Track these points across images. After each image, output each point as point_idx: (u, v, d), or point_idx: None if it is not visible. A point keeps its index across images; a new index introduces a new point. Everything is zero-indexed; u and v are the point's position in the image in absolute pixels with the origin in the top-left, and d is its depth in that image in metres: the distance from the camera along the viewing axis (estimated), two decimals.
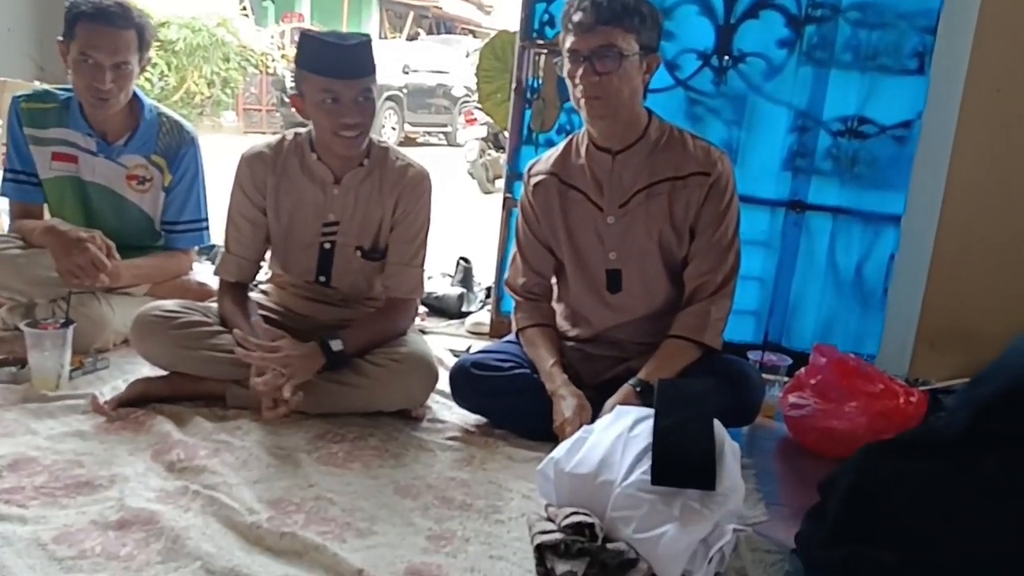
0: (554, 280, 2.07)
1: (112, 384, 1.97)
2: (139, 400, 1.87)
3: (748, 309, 2.62)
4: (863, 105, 2.51)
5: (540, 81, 2.72)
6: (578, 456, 1.46)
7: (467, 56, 12.61)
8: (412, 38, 17.50)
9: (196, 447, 1.67)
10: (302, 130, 2.02)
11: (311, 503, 1.51)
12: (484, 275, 3.18)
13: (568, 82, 1.84)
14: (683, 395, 1.47)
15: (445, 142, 12.93)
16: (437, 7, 19.85)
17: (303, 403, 1.82)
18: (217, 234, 2.34)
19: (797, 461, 1.99)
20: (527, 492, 1.62)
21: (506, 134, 2.86)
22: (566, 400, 1.80)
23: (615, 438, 1.46)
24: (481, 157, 8.05)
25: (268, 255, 2.12)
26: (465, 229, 4.98)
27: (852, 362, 2.04)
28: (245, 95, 12.83)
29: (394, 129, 11.67)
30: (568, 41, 1.81)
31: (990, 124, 2.42)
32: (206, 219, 2.43)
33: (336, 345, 1.85)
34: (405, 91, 11.92)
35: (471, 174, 8.13)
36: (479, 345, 2.46)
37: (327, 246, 2.02)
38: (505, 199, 2.78)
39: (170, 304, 1.96)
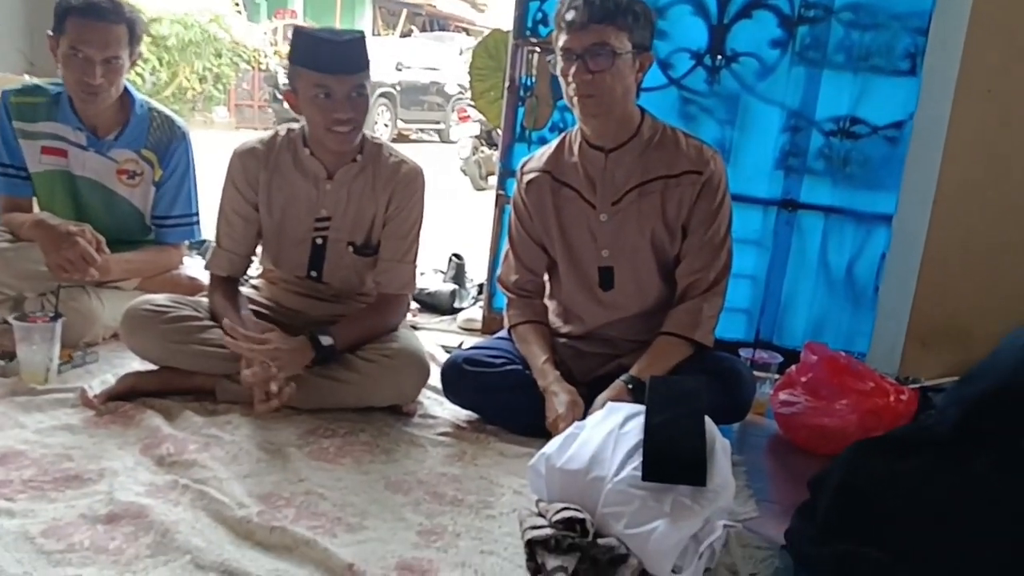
0: (547, 277, 2.07)
1: (101, 378, 1.96)
2: (129, 394, 1.86)
3: (740, 307, 2.62)
4: (855, 105, 2.52)
5: (533, 79, 2.72)
6: (569, 452, 1.47)
7: (460, 53, 12.60)
8: (405, 35, 17.48)
9: (186, 441, 1.66)
10: (295, 125, 2.02)
11: (301, 498, 1.51)
12: (476, 272, 3.18)
13: (561, 80, 1.84)
14: (674, 392, 1.47)
15: (438, 139, 12.92)
16: (430, 4, 19.82)
17: (294, 398, 1.82)
18: (208, 229, 2.33)
19: (788, 458, 2.00)
20: (518, 488, 1.62)
21: (499, 132, 2.86)
22: (559, 396, 1.80)
23: (606, 434, 1.46)
24: (474, 154, 8.05)
25: (259, 250, 2.11)
26: (458, 226, 4.98)
27: (843, 360, 2.05)
28: (237, 91, 12.80)
29: (387, 126, 11.65)
30: (561, 39, 1.81)
31: (981, 125, 2.43)
32: (197, 214, 2.42)
33: (326, 340, 1.85)
34: (398, 88, 11.90)
35: (464, 171, 8.13)
36: (471, 341, 2.46)
37: (319, 241, 2.01)
38: (498, 196, 2.78)
39: (160, 298, 1.95)
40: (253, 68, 12.76)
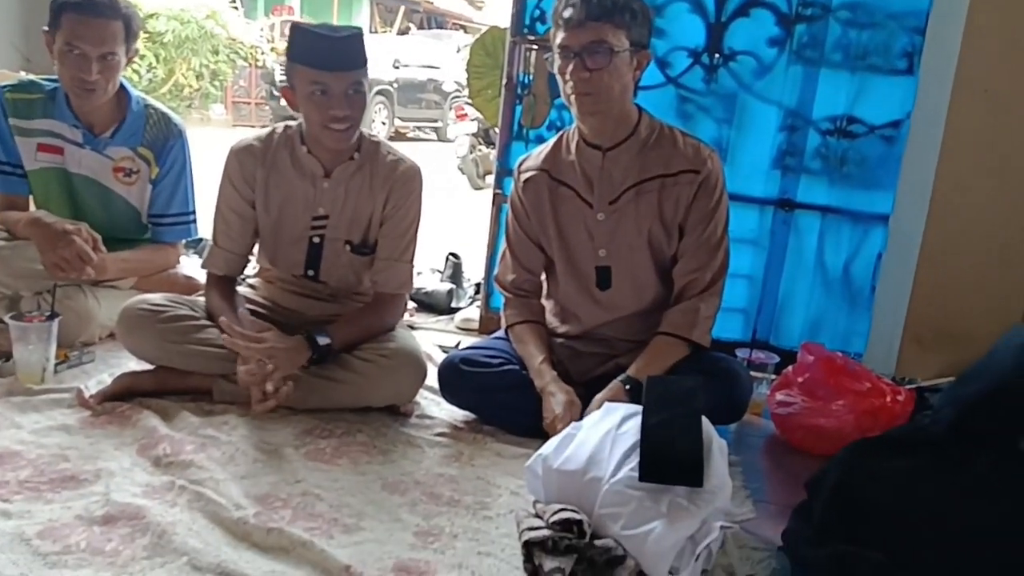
0: (544, 277, 2.07)
1: (98, 378, 1.96)
2: (125, 394, 1.86)
3: (737, 307, 2.63)
4: (852, 104, 2.52)
5: (531, 77, 2.72)
6: (566, 453, 1.46)
7: (458, 51, 12.59)
8: (403, 33, 17.45)
9: (183, 442, 1.66)
10: (292, 123, 2.01)
11: (298, 499, 1.51)
12: (473, 271, 3.18)
13: (559, 78, 1.84)
14: (671, 392, 1.47)
15: (435, 137, 12.91)
16: (428, 2, 19.79)
17: (291, 398, 1.81)
18: (205, 227, 2.32)
19: (784, 459, 2.00)
20: (515, 488, 1.62)
21: (497, 130, 2.85)
22: (555, 396, 1.80)
23: (603, 435, 1.46)
24: (471, 153, 8.04)
25: (256, 249, 2.11)
26: (455, 225, 4.97)
27: (839, 360, 2.05)
28: (234, 88, 12.77)
29: (384, 124, 11.64)
30: (559, 37, 1.80)
31: (978, 124, 2.43)
32: (193, 212, 2.41)
33: (323, 339, 1.85)
34: (395, 86, 11.89)
35: (461, 169, 8.12)
36: (468, 341, 2.46)
37: (316, 240, 2.01)
38: (495, 195, 2.78)
39: (157, 298, 1.94)
40: (250, 65, 12.73)
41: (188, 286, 2.35)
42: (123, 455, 1.61)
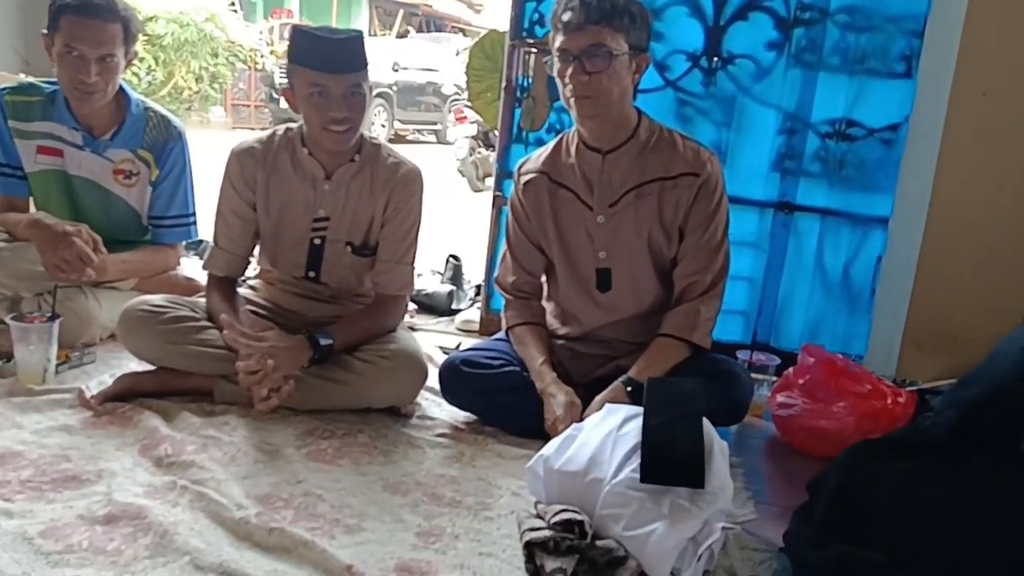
0: (544, 279, 2.07)
1: (99, 379, 1.96)
2: (126, 395, 1.86)
3: (737, 309, 2.63)
4: (851, 108, 2.53)
5: (530, 80, 2.72)
6: (567, 454, 1.47)
7: (457, 54, 12.62)
8: (402, 36, 17.47)
9: (184, 442, 1.66)
10: (293, 125, 2.02)
11: (300, 499, 1.51)
12: (474, 273, 3.18)
13: (558, 81, 1.84)
14: (672, 394, 1.48)
15: (435, 140, 12.92)
16: (427, 5, 19.82)
17: (292, 399, 1.82)
18: (205, 229, 2.32)
19: (785, 460, 2.00)
20: (516, 489, 1.62)
21: (496, 133, 2.86)
22: (556, 398, 1.80)
23: (604, 436, 1.47)
24: (471, 155, 8.05)
25: (257, 251, 2.11)
26: (455, 227, 4.98)
27: (840, 362, 2.06)
28: (233, 91, 12.79)
29: (383, 126, 11.65)
30: (558, 40, 1.81)
31: (977, 127, 2.44)
32: (194, 214, 2.41)
33: (324, 339, 1.85)
34: (395, 88, 11.91)
35: (461, 172, 8.13)
36: (469, 343, 2.46)
37: (317, 242, 2.01)
38: (495, 197, 2.78)
39: (157, 299, 1.94)
40: (249, 68, 12.74)
41: (188, 287, 2.35)
42: (125, 455, 1.61)
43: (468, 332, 2.80)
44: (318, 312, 2.05)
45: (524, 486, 1.59)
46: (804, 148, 2.58)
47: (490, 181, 3.44)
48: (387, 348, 1.91)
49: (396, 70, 12.07)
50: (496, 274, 2.12)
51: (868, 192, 2.56)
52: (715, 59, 2.58)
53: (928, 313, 2.53)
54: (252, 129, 11.39)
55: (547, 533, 1.35)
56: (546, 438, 1.63)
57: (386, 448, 1.77)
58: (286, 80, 1.92)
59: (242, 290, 2.10)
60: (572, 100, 1.82)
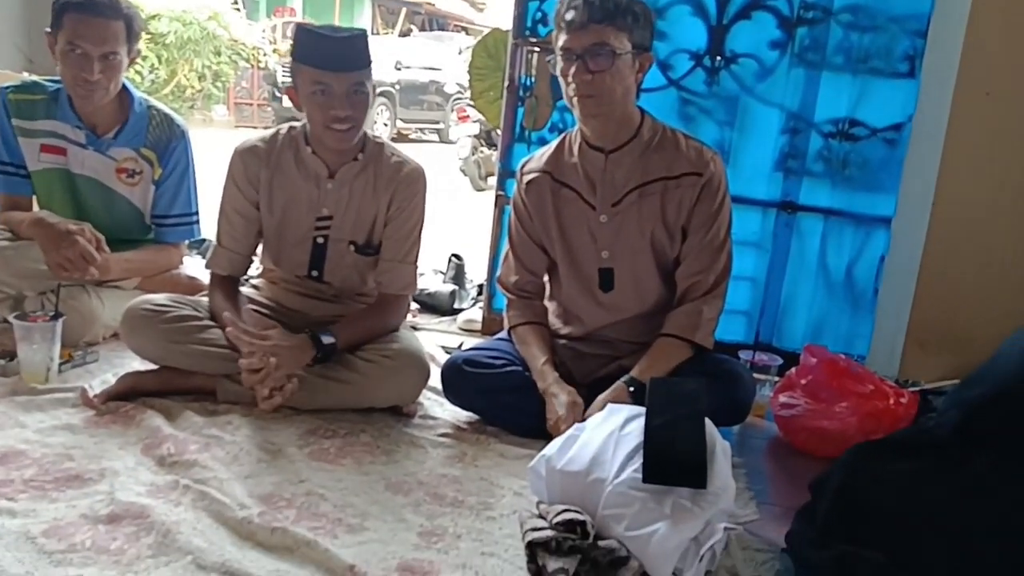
0: (546, 278, 2.07)
1: (102, 378, 1.96)
2: (129, 394, 1.86)
3: (739, 309, 2.63)
4: (854, 107, 2.53)
5: (533, 79, 2.72)
6: (570, 454, 1.47)
7: (460, 53, 12.60)
8: (404, 34, 17.47)
9: (187, 441, 1.66)
10: (297, 124, 2.02)
11: (302, 499, 1.51)
12: (476, 272, 3.18)
13: (561, 80, 1.84)
14: (675, 394, 1.48)
15: (437, 139, 12.92)
16: (429, 3, 19.81)
17: (294, 398, 1.82)
18: (208, 228, 2.33)
19: (787, 460, 2.00)
20: (519, 489, 1.62)
21: (498, 132, 2.86)
22: (558, 398, 1.80)
23: (607, 436, 1.47)
24: (473, 154, 8.05)
25: (260, 249, 2.11)
26: (457, 226, 4.98)
27: (842, 362, 2.06)
28: (236, 89, 12.78)
29: (386, 125, 11.64)
30: (561, 39, 1.81)
31: (980, 127, 2.44)
32: (196, 213, 2.41)
33: (327, 338, 1.85)
34: (397, 87, 11.90)
35: (463, 171, 8.13)
36: (471, 342, 2.47)
37: (320, 240, 2.01)
38: (497, 197, 2.78)
39: (160, 298, 1.95)
40: (252, 66, 12.74)
41: (191, 286, 2.36)
42: (127, 454, 1.61)
43: (470, 332, 2.80)
44: (321, 311, 2.05)
45: (526, 486, 1.59)
46: (807, 148, 2.57)
47: (492, 180, 3.44)
48: (389, 347, 1.91)
49: (399, 69, 12.06)
50: (498, 273, 2.12)
51: (871, 192, 2.56)
52: (718, 58, 2.58)
53: (931, 313, 2.53)
54: (255, 128, 11.40)
55: (549, 533, 1.35)
56: (548, 438, 1.63)
57: (388, 448, 1.77)
58: (290, 78, 1.92)
59: (245, 289, 2.10)
60: (575, 99, 1.82)
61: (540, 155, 2.02)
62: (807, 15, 2.51)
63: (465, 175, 8.10)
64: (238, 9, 13.43)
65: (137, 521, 1.37)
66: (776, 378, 2.22)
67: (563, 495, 1.45)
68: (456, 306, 3.01)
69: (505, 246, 2.10)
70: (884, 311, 2.58)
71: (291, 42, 1.91)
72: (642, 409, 1.47)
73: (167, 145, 2.30)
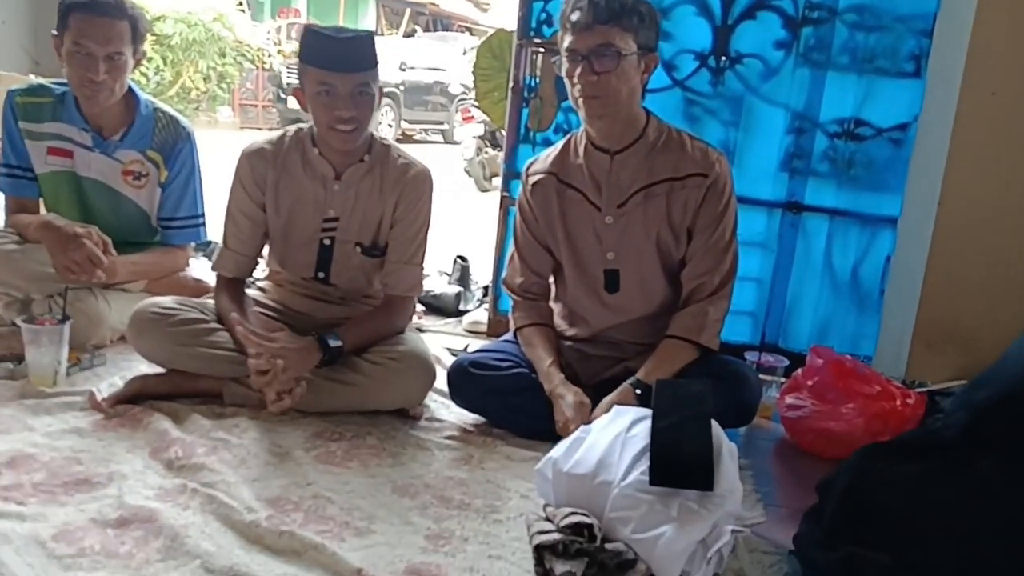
0: (552, 280, 2.07)
1: (109, 381, 1.96)
2: (136, 397, 1.87)
3: (745, 310, 2.63)
4: (860, 107, 2.52)
5: (537, 80, 2.72)
6: (576, 456, 1.47)
7: (464, 53, 12.59)
8: (409, 35, 17.47)
9: (194, 445, 1.66)
10: (304, 125, 2.02)
11: (309, 502, 1.52)
12: (481, 274, 3.18)
13: (566, 81, 1.84)
14: (681, 395, 1.48)
15: (442, 139, 12.92)
16: (434, 4, 19.82)
17: (301, 401, 1.82)
18: (214, 230, 2.33)
19: (794, 462, 2.00)
20: (525, 492, 1.63)
21: (503, 132, 2.86)
22: (565, 399, 1.80)
23: (613, 438, 1.47)
24: (478, 155, 8.05)
25: (265, 251, 2.11)
26: (462, 227, 4.98)
27: (849, 363, 2.05)
28: (241, 90, 12.80)
29: (390, 126, 11.65)
30: (566, 40, 1.81)
31: (986, 127, 2.43)
32: (203, 215, 2.42)
33: (334, 341, 1.85)
34: (402, 88, 11.91)
35: (468, 172, 8.13)
36: (477, 344, 2.47)
37: (327, 242, 2.01)
38: (503, 198, 2.78)
39: (167, 301, 1.95)
40: (257, 67, 12.76)
41: (197, 288, 2.36)
42: (135, 458, 1.62)
43: (476, 333, 2.80)
44: (327, 313, 2.05)
45: (533, 488, 1.59)
46: (813, 148, 2.57)
47: (497, 181, 3.44)
48: (396, 350, 1.92)
49: (403, 69, 12.07)
50: (504, 275, 2.12)
51: (877, 192, 2.55)
52: (723, 58, 2.58)
53: (938, 313, 2.53)
54: (260, 129, 11.42)
55: (556, 536, 1.35)
56: (555, 440, 1.63)
57: (395, 450, 1.77)
58: (296, 80, 1.92)
59: (251, 291, 2.11)
60: (580, 100, 1.82)
61: (545, 156, 2.02)
62: (812, 15, 2.51)
63: (470, 176, 8.10)
64: (243, 10, 13.46)
65: (146, 525, 1.37)
66: (782, 379, 2.22)
67: (570, 498, 1.45)
68: (461, 308, 3.01)
69: (510, 248, 2.10)
70: (890, 311, 2.57)
71: (298, 44, 1.92)
72: (648, 411, 1.47)
73: (173, 147, 2.31)
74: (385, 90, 11.20)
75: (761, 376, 2.11)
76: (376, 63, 1.88)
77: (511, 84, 2.74)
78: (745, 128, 2.60)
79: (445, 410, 2.02)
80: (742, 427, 2.03)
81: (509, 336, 2.08)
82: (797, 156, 2.58)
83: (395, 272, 2.02)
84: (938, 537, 1.28)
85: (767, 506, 1.69)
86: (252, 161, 2.00)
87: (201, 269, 2.51)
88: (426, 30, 18.64)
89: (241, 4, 13.61)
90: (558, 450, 1.51)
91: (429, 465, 1.73)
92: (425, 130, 13.17)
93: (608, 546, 1.34)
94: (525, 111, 2.74)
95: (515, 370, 1.93)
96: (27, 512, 1.39)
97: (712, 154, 1.90)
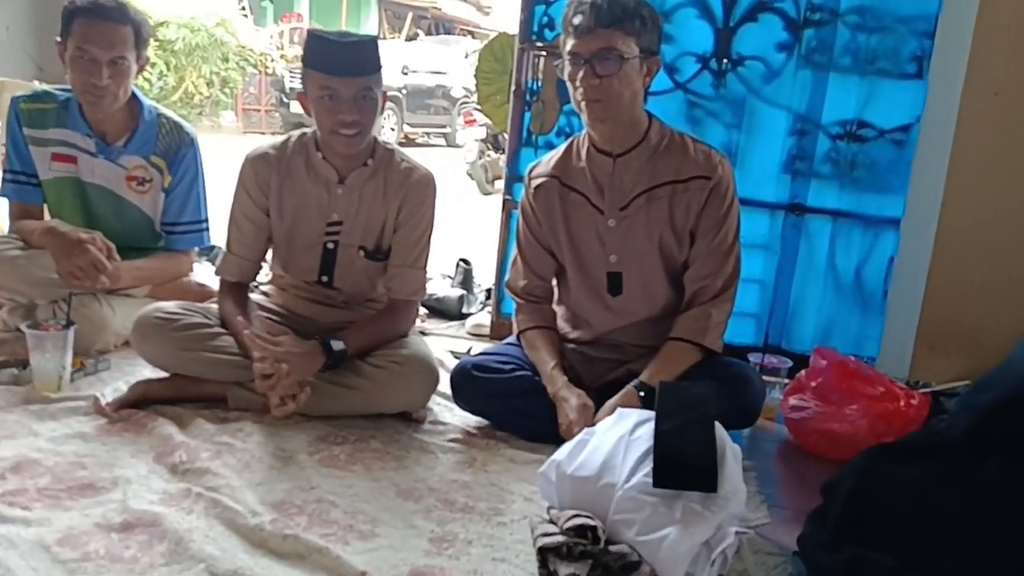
0: (555, 282, 2.07)
1: (113, 386, 1.97)
2: (141, 402, 1.87)
3: (748, 311, 2.62)
4: (862, 109, 2.52)
5: (539, 83, 2.73)
6: (580, 459, 1.47)
7: (466, 57, 12.62)
8: (411, 39, 17.49)
9: (198, 449, 1.67)
10: (308, 130, 2.03)
11: (313, 505, 1.52)
12: (484, 277, 3.18)
13: (569, 85, 1.85)
14: (684, 398, 1.48)
15: (444, 143, 12.94)
16: (436, 8, 19.85)
17: (304, 405, 1.82)
18: (217, 235, 2.34)
19: (798, 463, 2.00)
20: (529, 494, 1.63)
21: (505, 136, 2.86)
22: (569, 401, 1.80)
23: (617, 440, 1.47)
24: (480, 158, 8.06)
25: (269, 255, 2.12)
26: (465, 230, 4.98)
27: (852, 364, 2.05)
28: (244, 95, 12.84)
29: (393, 130, 11.67)
30: (569, 44, 1.81)
31: (988, 127, 2.43)
32: (206, 220, 2.43)
33: (337, 344, 1.86)
34: (404, 92, 11.93)
35: (470, 175, 8.14)
36: (480, 347, 2.47)
37: (330, 246, 2.02)
38: (505, 201, 2.79)
39: (171, 306, 1.95)
40: (260, 72, 12.80)
41: (201, 293, 2.37)
42: (140, 462, 1.62)
43: (479, 336, 2.81)
44: (331, 318, 2.05)
45: (536, 491, 1.59)
46: (815, 149, 2.57)
47: (499, 184, 3.44)
48: (399, 353, 1.92)
49: (405, 73, 12.08)
50: (507, 278, 2.12)
51: (879, 193, 2.55)
52: (725, 61, 2.58)
53: (941, 314, 2.52)
54: (263, 133, 11.44)
55: (560, 538, 1.35)
56: (558, 442, 1.63)
57: (398, 454, 1.78)
58: (301, 84, 1.93)
59: (254, 296, 2.11)
60: (583, 103, 1.82)
61: (548, 160, 2.02)
62: (814, 17, 2.51)
63: (472, 179, 8.12)
64: (246, 15, 13.50)
65: (150, 529, 1.38)
66: (786, 380, 2.22)
67: (574, 500, 1.45)
68: (464, 311, 3.01)
69: (513, 251, 2.10)
70: (894, 312, 2.57)
71: (302, 48, 1.93)
72: (652, 414, 1.47)
73: (177, 153, 2.31)
74: (388, 94, 11.27)
75: (764, 378, 2.10)
76: (379, 67, 1.89)
77: (513, 87, 2.75)
78: (747, 130, 2.60)
79: (448, 413, 2.03)
80: (746, 429, 2.03)
81: (512, 339, 2.09)
82: (799, 158, 2.58)
83: (398, 276, 2.02)
84: (942, 539, 1.28)
85: (771, 507, 1.69)
86: (256, 166, 2.00)
87: (205, 274, 2.52)
88: (428, 34, 18.67)
89: (244, 9, 13.65)
90: (562, 453, 1.51)
91: (433, 468, 1.73)
92: (427, 134, 13.19)
93: (612, 548, 1.34)
94: (527, 114, 2.75)
95: (518, 373, 1.93)
96: (32, 517, 1.39)
97: (715, 156, 1.91)
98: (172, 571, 1.28)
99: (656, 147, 1.90)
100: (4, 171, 2.32)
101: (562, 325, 2.06)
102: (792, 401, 2.04)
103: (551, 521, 1.43)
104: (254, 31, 13.54)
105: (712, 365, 1.87)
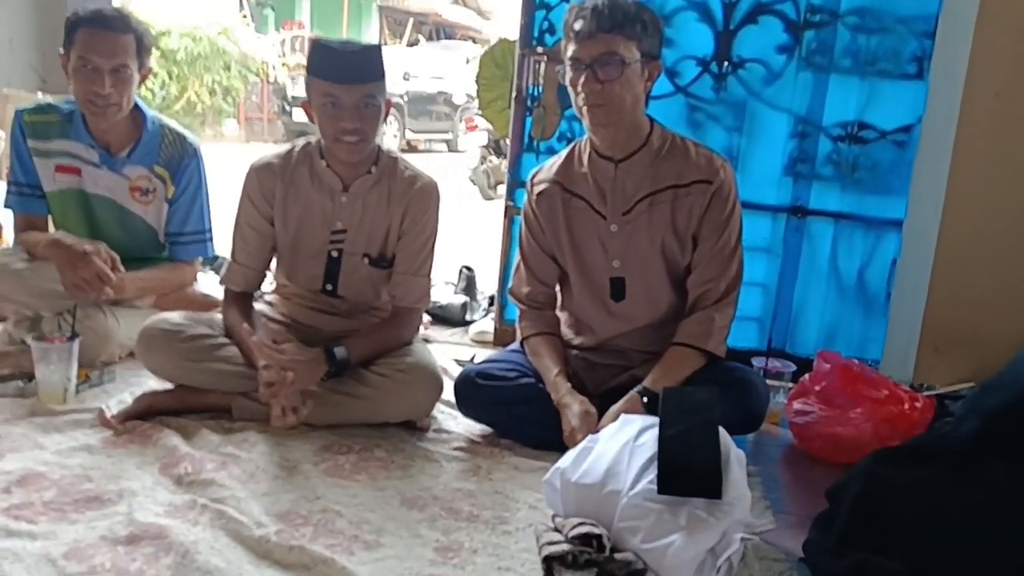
0: (558, 288, 2.07)
1: (118, 397, 1.97)
2: (146, 413, 1.87)
3: (751, 315, 2.62)
4: (863, 110, 2.52)
5: (540, 89, 2.73)
6: (584, 466, 1.47)
7: (467, 62, 12.63)
8: (412, 44, 17.53)
9: (203, 460, 1.67)
10: (312, 139, 2.03)
11: (318, 516, 1.52)
12: (487, 283, 3.18)
13: (570, 90, 1.85)
14: (688, 403, 1.48)
15: (446, 149, 12.96)
16: (436, 14, 19.89)
17: (309, 415, 1.82)
18: (221, 244, 2.34)
19: (803, 468, 1.99)
20: (534, 502, 1.62)
21: (507, 141, 2.86)
22: (572, 408, 1.80)
23: (621, 447, 1.47)
24: (482, 164, 8.07)
25: (273, 265, 2.12)
26: (467, 236, 4.98)
27: (856, 368, 2.05)
28: (246, 104, 12.88)
29: (395, 136, 11.69)
30: (570, 49, 1.81)
31: (990, 128, 2.43)
32: (210, 230, 2.43)
33: (340, 352, 1.86)
34: (406, 98, 11.95)
35: (472, 181, 8.15)
36: (483, 354, 2.47)
37: (335, 254, 2.02)
38: (507, 207, 2.79)
39: (176, 317, 1.96)
40: (262, 80, 12.84)
41: (205, 303, 2.37)
42: (145, 474, 1.62)
43: (482, 343, 2.81)
44: (335, 326, 2.05)
45: (541, 499, 1.59)
46: (816, 151, 2.57)
47: (502, 189, 3.44)
48: (403, 362, 1.92)
49: (407, 79, 12.11)
50: (510, 285, 2.12)
51: (881, 195, 2.55)
52: (725, 64, 2.58)
53: (945, 316, 2.52)
54: (265, 142, 11.48)
55: (565, 546, 1.35)
56: (562, 450, 1.63)
57: (403, 463, 1.78)
58: (305, 92, 1.93)
59: (259, 305, 2.11)
60: (584, 108, 1.82)
61: (550, 165, 2.02)
62: (814, 18, 2.51)
63: (474, 184, 8.13)
64: (248, 24, 13.54)
65: (156, 542, 1.38)
66: (790, 384, 2.22)
67: (578, 508, 1.45)
68: (468, 318, 3.01)
69: (516, 257, 2.10)
70: (897, 315, 2.56)
71: (306, 57, 1.93)
72: (656, 419, 1.47)
73: (180, 163, 2.32)
74: (392, 101, 11.28)
75: (768, 382, 2.10)
76: (383, 75, 1.89)
77: (514, 93, 2.75)
78: (748, 133, 2.60)
79: (453, 421, 2.03)
80: (750, 434, 2.02)
81: (516, 346, 2.09)
82: (801, 160, 2.58)
83: (402, 284, 2.02)
84: (948, 543, 1.28)
85: (776, 513, 1.68)
86: (260, 175, 2.01)
87: (209, 284, 2.52)
88: (429, 39, 18.73)
89: (245, 17, 13.69)
90: (566, 460, 1.51)
91: (437, 477, 1.73)
92: (430, 140, 13.21)
93: (617, 556, 1.34)
94: (528, 120, 2.75)
95: (522, 380, 1.93)
96: (38, 530, 1.39)
97: (716, 160, 1.91)
98: None
99: (658, 151, 1.90)
100: (9, 183, 2.32)
101: (565, 331, 2.06)
102: (796, 405, 2.04)
103: (556, 529, 1.43)
104: (256, 39, 13.58)
105: (715, 370, 1.87)
